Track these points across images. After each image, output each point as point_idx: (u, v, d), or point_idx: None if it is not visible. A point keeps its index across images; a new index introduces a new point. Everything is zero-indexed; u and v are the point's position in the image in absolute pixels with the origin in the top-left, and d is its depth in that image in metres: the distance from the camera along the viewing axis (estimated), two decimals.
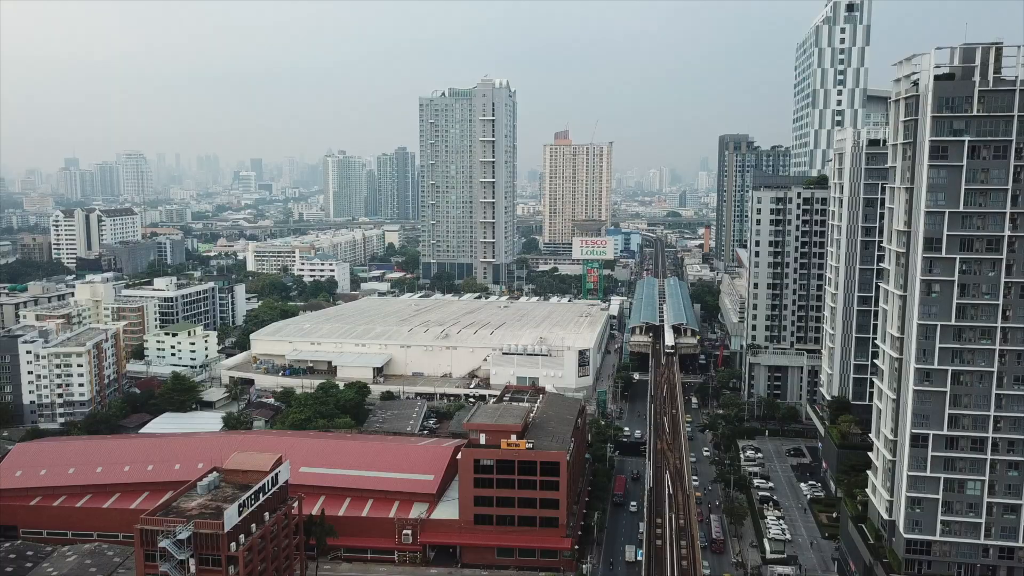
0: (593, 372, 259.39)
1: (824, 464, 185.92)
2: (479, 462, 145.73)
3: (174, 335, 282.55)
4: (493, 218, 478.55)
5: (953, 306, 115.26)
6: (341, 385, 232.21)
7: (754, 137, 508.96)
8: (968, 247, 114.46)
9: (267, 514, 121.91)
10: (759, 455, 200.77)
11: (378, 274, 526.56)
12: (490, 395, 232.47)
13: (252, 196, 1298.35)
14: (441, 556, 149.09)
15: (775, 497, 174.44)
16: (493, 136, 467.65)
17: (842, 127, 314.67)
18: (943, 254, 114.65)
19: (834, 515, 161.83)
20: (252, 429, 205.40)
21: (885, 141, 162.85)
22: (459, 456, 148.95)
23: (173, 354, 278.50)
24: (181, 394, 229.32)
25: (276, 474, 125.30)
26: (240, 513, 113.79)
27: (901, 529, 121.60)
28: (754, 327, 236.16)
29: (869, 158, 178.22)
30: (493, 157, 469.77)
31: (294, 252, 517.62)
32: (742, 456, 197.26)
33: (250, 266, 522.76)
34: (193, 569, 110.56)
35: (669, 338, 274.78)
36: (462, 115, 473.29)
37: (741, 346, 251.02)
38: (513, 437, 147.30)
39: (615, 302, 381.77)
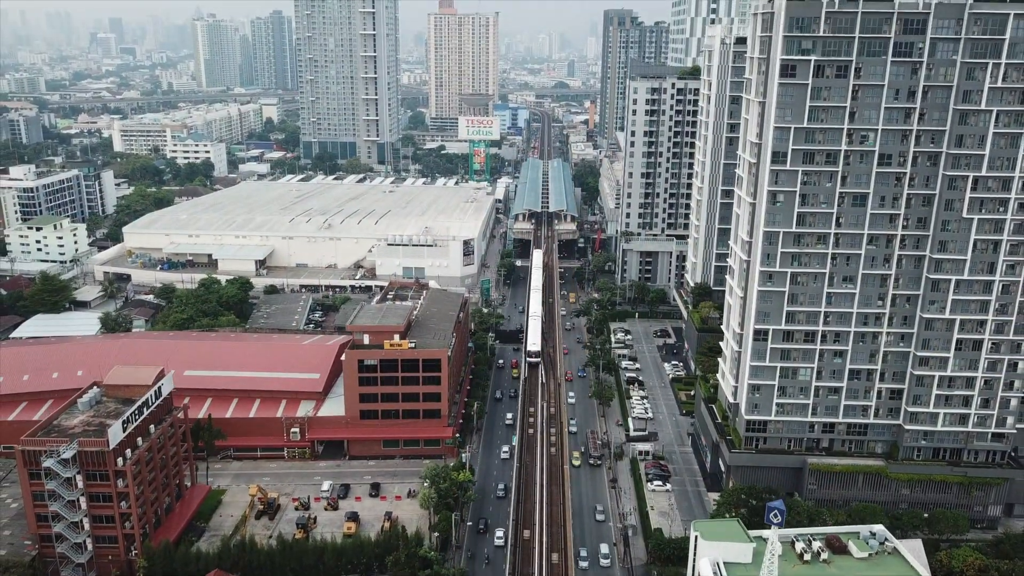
0: (478, 260, 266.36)
1: (686, 345, 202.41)
2: (363, 362, 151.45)
3: (39, 229, 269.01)
4: (376, 95, 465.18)
5: (795, 214, 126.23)
6: (223, 280, 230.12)
7: (638, 12, 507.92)
8: (810, 160, 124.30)
9: (152, 426, 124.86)
10: (629, 336, 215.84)
11: (257, 154, 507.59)
12: (376, 285, 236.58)
13: (114, 61, 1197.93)
14: (330, 450, 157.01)
15: (640, 378, 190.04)
16: (373, 7, 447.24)
17: (717, 15, 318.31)
18: (787, 167, 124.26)
19: (692, 393, 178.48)
20: (131, 331, 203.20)
21: None
22: (343, 357, 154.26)
23: (39, 249, 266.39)
24: (52, 294, 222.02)
25: (160, 387, 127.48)
26: (125, 429, 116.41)
27: (743, 411, 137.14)
28: (628, 214, 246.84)
29: (736, 56, 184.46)
30: (374, 30, 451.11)
31: (165, 131, 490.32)
32: (613, 339, 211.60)
33: (117, 146, 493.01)
34: (81, 484, 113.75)
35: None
36: None
37: (616, 231, 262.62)
38: (396, 337, 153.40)
39: (501, 184, 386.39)
